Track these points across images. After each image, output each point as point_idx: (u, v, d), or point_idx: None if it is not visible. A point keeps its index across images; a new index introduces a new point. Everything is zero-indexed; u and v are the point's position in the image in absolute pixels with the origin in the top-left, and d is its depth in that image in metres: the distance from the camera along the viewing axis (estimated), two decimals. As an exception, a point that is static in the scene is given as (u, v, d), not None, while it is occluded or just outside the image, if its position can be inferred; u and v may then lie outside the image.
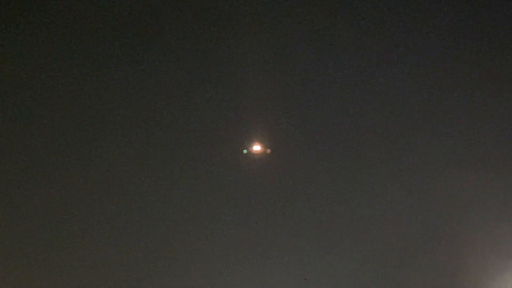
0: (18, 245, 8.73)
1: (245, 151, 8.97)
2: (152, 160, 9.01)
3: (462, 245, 8.96)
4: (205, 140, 9.07)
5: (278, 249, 8.94)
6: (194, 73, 9.15)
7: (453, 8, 9.28)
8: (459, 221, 8.98)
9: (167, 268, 8.83)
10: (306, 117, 9.18)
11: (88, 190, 8.86)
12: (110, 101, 9.03)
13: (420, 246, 9.00)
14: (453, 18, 9.29)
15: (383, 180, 9.13)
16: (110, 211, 8.87)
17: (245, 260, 8.89)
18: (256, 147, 9.00)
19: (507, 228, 8.94)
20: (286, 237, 8.98)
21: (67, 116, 8.96)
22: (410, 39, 9.30)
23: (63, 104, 8.96)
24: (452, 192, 9.01)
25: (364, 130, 9.22)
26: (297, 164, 9.09)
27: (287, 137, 9.11)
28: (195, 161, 9.04)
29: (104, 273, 8.74)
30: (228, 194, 8.98)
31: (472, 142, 9.15)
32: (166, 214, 8.95)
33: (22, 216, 8.78)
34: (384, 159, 9.14)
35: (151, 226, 8.90)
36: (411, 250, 8.98)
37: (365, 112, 9.24)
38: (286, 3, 9.23)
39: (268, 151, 9.01)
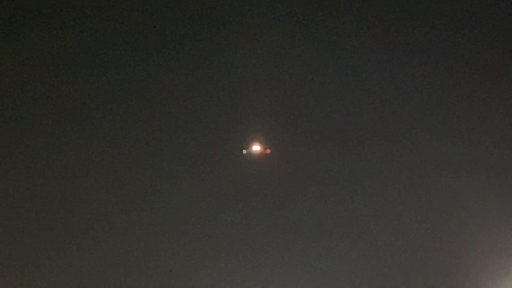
0: (18, 245, 8.74)
1: (244, 151, 8.98)
2: (152, 160, 9.02)
3: (462, 245, 8.94)
4: (205, 140, 9.08)
5: (278, 249, 8.93)
6: (194, 73, 9.16)
7: (453, 8, 9.29)
8: (459, 222, 8.96)
9: (167, 267, 8.82)
10: (305, 117, 9.18)
11: (88, 189, 8.87)
12: (110, 101, 9.04)
13: (420, 246, 8.99)
14: (453, 18, 9.30)
15: (383, 181, 9.12)
16: (109, 211, 8.87)
17: (244, 259, 8.88)
18: (256, 147, 9.00)
19: (507, 229, 8.92)
20: (286, 236, 8.97)
21: (67, 116, 8.97)
22: (411, 40, 9.31)
23: (63, 104, 8.99)
24: (452, 193, 9.00)
25: (363, 131, 9.21)
26: (297, 164, 9.09)
27: (287, 137, 9.11)
28: (195, 161, 9.04)
29: (103, 273, 8.74)
30: (228, 194, 8.98)
31: (472, 144, 9.14)
32: (166, 214, 8.95)
33: (22, 216, 8.79)
34: (384, 160, 9.14)
35: (151, 226, 8.90)
36: (411, 250, 8.97)
37: (365, 113, 9.24)
38: (286, 3, 9.25)
39: (268, 151, 9.02)
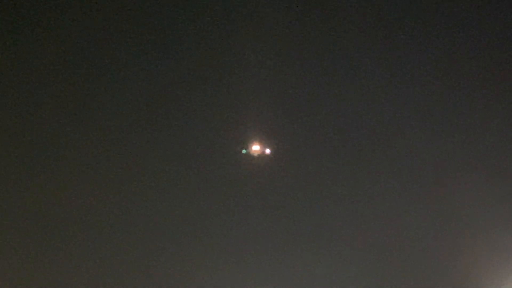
0: (18, 245, 8.75)
1: (244, 151, 8.98)
2: (151, 160, 9.03)
3: (462, 245, 8.94)
4: (205, 140, 9.08)
5: (278, 249, 8.94)
6: (194, 73, 9.16)
7: (453, 8, 9.29)
8: (459, 222, 8.97)
9: (166, 267, 8.83)
10: (306, 117, 9.18)
11: (87, 189, 8.88)
12: (110, 101, 9.05)
13: (420, 246, 8.99)
14: (453, 18, 9.29)
15: (383, 181, 9.12)
16: (109, 210, 8.87)
17: (244, 259, 8.89)
18: (256, 147, 9.00)
19: (507, 229, 8.92)
20: (286, 237, 8.98)
21: (67, 116, 8.98)
22: (412, 40, 9.31)
23: (63, 104, 8.99)
24: (452, 193, 9.00)
25: (363, 131, 9.21)
26: (297, 164, 9.09)
27: (287, 137, 9.12)
28: (195, 161, 9.05)
29: (103, 273, 8.75)
30: (228, 194, 8.99)
31: (472, 144, 9.14)
32: (166, 214, 8.95)
33: (22, 216, 8.80)
34: (384, 160, 9.14)
35: (151, 225, 8.91)
36: (411, 250, 8.97)
37: (365, 113, 9.24)
38: (286, 3, 9.25)
39: (268, 151, 9.02)
